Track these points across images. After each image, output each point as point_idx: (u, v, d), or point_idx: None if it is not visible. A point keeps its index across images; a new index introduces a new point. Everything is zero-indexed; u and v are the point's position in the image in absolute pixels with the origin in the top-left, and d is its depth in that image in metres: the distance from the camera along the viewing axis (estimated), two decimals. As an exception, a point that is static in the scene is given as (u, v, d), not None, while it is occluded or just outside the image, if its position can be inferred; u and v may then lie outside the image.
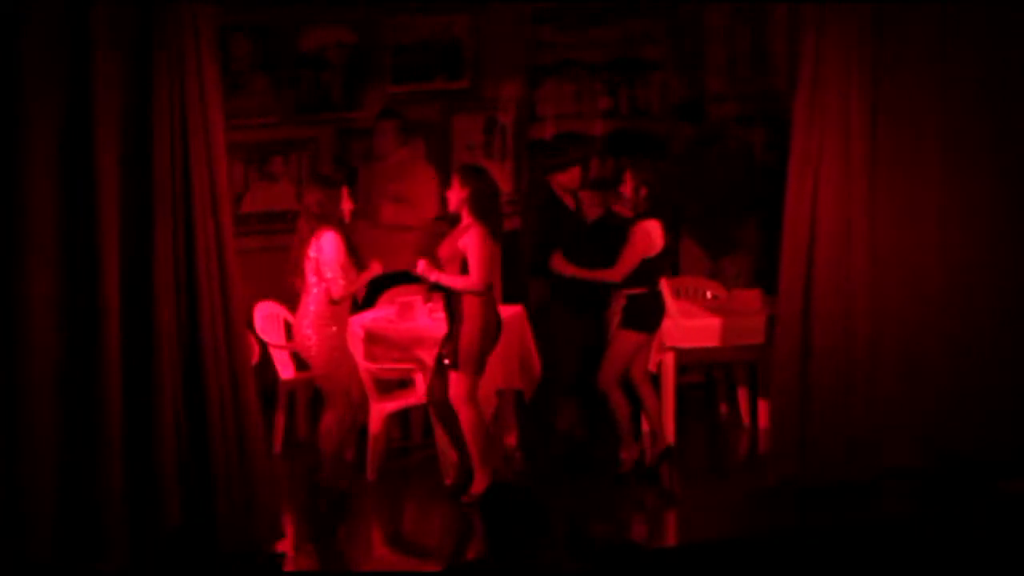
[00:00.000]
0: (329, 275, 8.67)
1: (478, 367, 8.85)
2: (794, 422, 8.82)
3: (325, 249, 8.68)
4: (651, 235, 9.18)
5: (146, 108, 7.56)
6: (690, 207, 10.94)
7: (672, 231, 10.45)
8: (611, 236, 9.48)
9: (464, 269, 8.75)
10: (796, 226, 8.74)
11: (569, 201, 9.82)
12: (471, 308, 8.76)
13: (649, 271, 9.23)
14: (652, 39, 11.68)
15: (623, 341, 9.27)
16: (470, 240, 8.73)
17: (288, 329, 10.00)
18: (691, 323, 9.81)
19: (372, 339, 9.39)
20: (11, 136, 7.36)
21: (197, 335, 7.70)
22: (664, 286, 9.45)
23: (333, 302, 8.71)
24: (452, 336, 8.82)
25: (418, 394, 9.39)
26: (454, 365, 8.79)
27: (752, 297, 10.03)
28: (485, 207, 8.77)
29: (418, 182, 10.56)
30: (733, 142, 11.34)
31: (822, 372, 8.78)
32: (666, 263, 9.46)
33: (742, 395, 10.44)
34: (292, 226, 10.15)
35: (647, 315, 9.30)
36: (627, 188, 9.18)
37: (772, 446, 9.03)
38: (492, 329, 8.86)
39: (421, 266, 8.85)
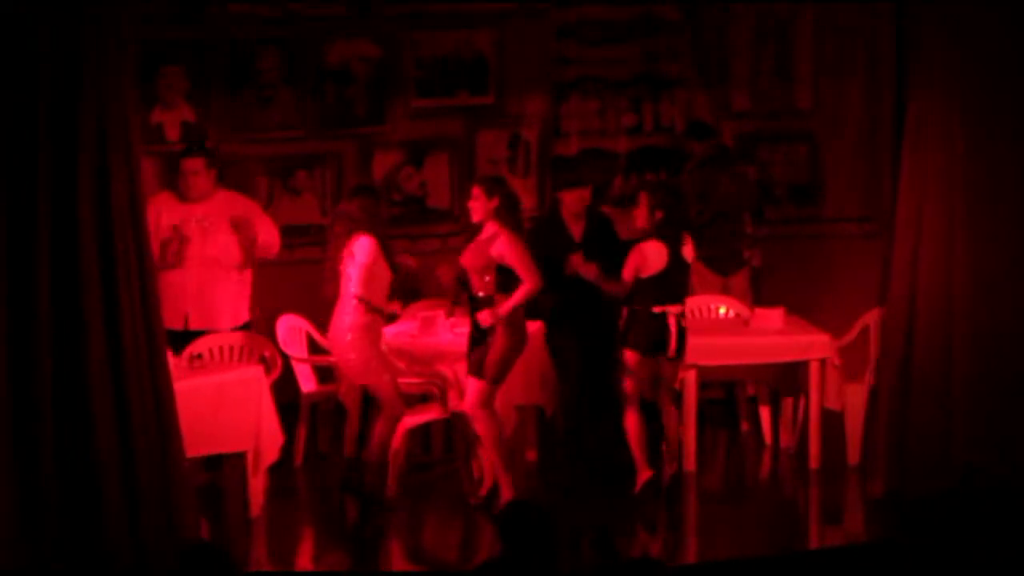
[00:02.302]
0: (351, 272, 8.71)
1: (500, 377, 8.85)
2: (898, 435, 8.93)
3: (357, 252, 8.73)
4: (646, 255, 9.03)
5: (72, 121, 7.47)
6: (699, 224, 10.89)
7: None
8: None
9: (502, 276, 8.72)
10: (903, 245, 8.85)
11: (572, 224, 9.79)
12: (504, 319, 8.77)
13: (646, 291, 9.09)
14: (676, 55, 11.65)
15: (623, 359, 9.20)
16: (506, 246, 8.69)
17: (311, 342, 10.01)
18: (713, 341, 9.77)
19: (393, 354, 9.38)
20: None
21: (120, 350, 7.64)
22: (674, 312, 9.21)
23: (361, 299, 8.73)
24: (482, 346, 8.80)
25: (439, 408, 9.39)
26: (479, 374, 8.79)
27: (775, 316, 9.98)
28: (512, 214, 8.78)
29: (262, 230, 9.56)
30: (742, 160, 11.30)
31: (923, 386, 8.87)
32: (666, 285, 9.09)
33: (764, 413, 10.38)
34: (316, 239, 10.21)
35: (639, 334, 9.11)
36: (642, 212, 9.09)
37: (878, 458, 9.05)
38: (521, 339, 8.85)
39: (484, 317, 8.75)
